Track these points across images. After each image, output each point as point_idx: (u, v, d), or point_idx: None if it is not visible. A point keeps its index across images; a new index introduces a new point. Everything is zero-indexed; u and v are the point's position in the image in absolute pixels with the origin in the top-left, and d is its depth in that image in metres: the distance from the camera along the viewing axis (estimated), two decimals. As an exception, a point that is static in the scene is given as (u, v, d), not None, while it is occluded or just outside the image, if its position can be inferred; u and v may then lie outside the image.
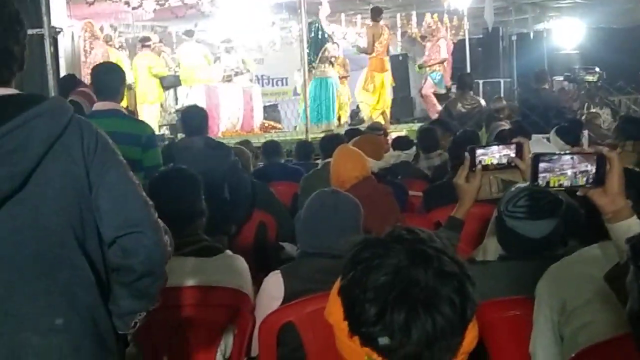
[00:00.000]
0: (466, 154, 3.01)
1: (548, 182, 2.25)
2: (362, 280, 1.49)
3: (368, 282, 1.48)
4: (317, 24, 14.37)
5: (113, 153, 2.33)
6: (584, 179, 2.21)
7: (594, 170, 2.20)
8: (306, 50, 11.70)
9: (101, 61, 13.24)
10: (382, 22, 14.50)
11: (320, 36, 14.17)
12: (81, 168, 2.23)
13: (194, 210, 3.57)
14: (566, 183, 2.24)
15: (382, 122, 13.84)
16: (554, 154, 2.27)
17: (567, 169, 2.22)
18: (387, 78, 14.57)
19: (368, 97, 14.24)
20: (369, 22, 14.78)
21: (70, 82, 6.52)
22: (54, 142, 2.19)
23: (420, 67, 16.68)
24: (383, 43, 14.18)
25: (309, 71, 13.39)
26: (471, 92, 11.36)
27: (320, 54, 13.85)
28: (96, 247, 2.30)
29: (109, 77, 5.14)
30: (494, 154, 2.97)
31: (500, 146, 3.00)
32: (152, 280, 2.34)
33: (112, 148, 2.34)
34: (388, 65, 14.74)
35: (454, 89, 14.95)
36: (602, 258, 2.49)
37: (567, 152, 2.28)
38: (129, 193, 2.31)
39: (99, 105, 5.08)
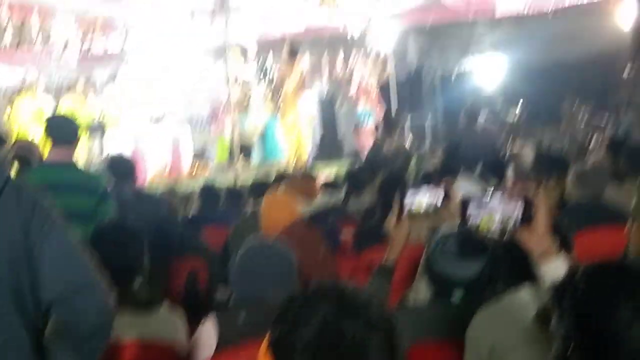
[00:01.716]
0: (395, 199, 3.04)
1: (478, 225, 2.29)
2: (290, 336, 1.49)
3: (296, 337, 1.48)
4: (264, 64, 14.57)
5: (52, 214, 2.28)
6: (512, 220, 2.26)
7: (521, 212, 2.24)
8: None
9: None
10: (301, 63, 14.65)
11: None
12: (18, 232, 2.18)
13: (135, 267, 3.51)
14: (495, 225, 2.28)
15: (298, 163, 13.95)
16: (483, 196, 2.32)
17: (496, 210, 2.27)
18: (301, 117, 14.65)
19: (289, 138, 14.27)
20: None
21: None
22: None
23: (346, 104, 16.88)
24: (293, 83, 14.22)
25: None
26: (397, 133, 11.49)
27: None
28: (33, 311, 2.24)
29: (64, 128, 5.07)
30: (421, 199, 3.02)
31: (428, 191, 3.05)
32: (98, 340, 2.31)
33: (50, 207, 2.30)
34: (302, 104, 14.86)
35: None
36: (530, 302, 2.53)
37: (495, 194, 2.33)
38: (73, 254, 2.28)
39: (52, 155, 5.01)
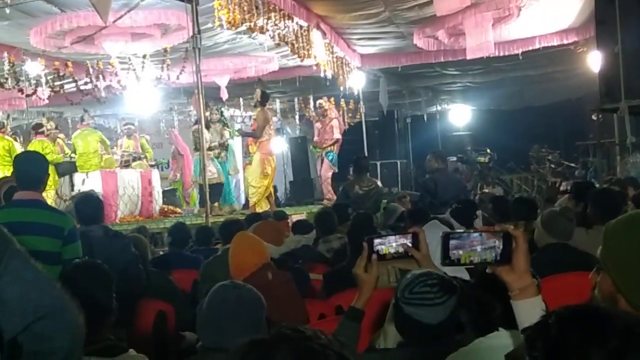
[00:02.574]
0: (364, 244, 3.05)
1: (459, 259, 2.32)
2: None
3: None
4: (221, 109, 14.64)
5: (10, 242, 2.26)
6: (492, 255, 2.29)
7: (501, 248, 2.27)
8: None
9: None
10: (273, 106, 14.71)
11: (223, 121, 14.44)
12: None
13: (103, 308, 3.45)
14: (476, 259, 2.31)
15: (268, 205, 13.84)
16: (464, 231, 2.35)
17: (476, 245, 2.30)
18: (272, 160, 14.62)
19: (262, 182, 14.18)
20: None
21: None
22: None
23: (315, 147, 16.83)
24: (272, 127, 14.26)
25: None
26: (368, 174, 11.50)
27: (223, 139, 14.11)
28: None
29: (31, 167, 5.03)
30: (391, 244, 3.03)
31: (397, 235, 3.07)
32: None
33: (9, 237, 2.27)
34: (274, 146, 14.91)
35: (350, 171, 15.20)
36: (501, 346, 2.52)
37: (476, 230, 2.37)
38: (36, 278, 2.24)
39: (20, 195, 4.96)
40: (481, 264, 2.34)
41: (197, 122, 13.68)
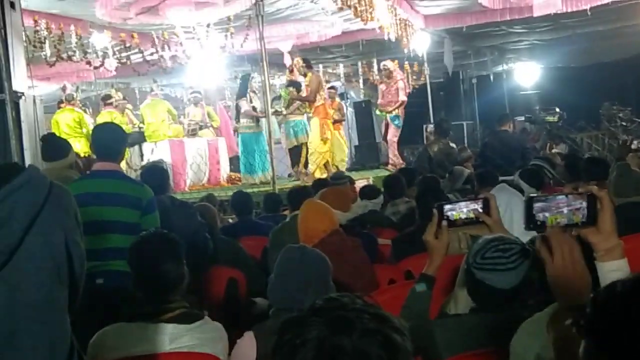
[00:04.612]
0: (434, 210, 3.03)
1: (544, 222, 2.27)
2: None
3: None
4: (247, 76, 14.60)
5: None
6: (580, 216, 2.24)
7: (586, 210, 2.23)
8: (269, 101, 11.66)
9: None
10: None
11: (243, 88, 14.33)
12: (61, 236, 2.31)
13: (174, 276, 3.49)
14: (563, 221, 2.26)
15: (325, 173, 13.51)
16: (549, 195, 2.31)
17: (562, 207, 2.25)
18: (335, 124, 14.47)
19: (324, 146, 13.99)
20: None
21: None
22: (37, 214, 2.22)
23: (380, 111, 16.54)
24: (322, 91, 13.95)
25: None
26: (448, 137, 11.44)
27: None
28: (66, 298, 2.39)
29: (109, 138, 5.06)
30: (461, 209, 3.00)
31: (468, 201, 3.04)
32: None
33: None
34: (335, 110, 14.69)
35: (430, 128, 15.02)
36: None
37: (561, 192, 2.32)
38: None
39: (98, 166, 5.03)
40: (569, 225, 2.29)
41: (290, 84, 13.83)
